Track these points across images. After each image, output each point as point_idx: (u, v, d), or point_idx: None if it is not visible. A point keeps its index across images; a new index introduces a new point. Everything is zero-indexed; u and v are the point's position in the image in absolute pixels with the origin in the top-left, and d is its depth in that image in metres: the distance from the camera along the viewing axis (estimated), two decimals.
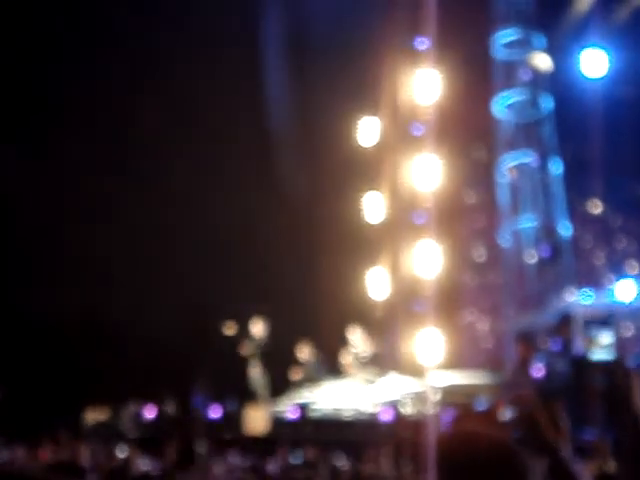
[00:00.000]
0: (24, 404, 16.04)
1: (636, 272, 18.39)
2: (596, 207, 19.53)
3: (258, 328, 17.78)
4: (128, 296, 19.16)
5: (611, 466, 5.28)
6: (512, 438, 2.00)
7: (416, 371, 15.93)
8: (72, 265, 19.31)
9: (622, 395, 2.12)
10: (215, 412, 16.86)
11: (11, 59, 18.96)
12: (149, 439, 14.91)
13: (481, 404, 14.55)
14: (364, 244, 19.49)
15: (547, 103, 19.94)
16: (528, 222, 19.90)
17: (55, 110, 19.58)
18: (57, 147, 19.19)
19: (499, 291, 19.84)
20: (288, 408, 16.74)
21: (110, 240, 19.19)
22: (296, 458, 14.39)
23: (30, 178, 18.73)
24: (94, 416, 17.03)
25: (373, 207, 19.80)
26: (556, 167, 19.78)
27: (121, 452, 13.39)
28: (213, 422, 16.20)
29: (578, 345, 16.11)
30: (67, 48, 19.61)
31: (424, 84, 17.08)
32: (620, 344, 15.73)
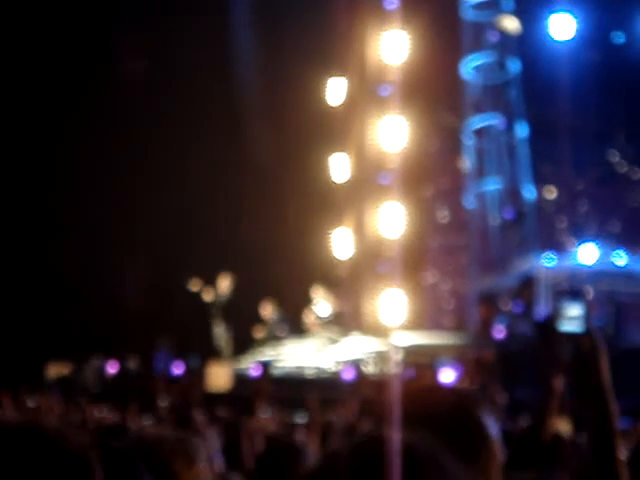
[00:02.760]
0: None
1: (597, 235, 18.57)
2: (551, 192, 19.65)
3: (224, 284, 17.80)
4: (92, 251, 19.10)
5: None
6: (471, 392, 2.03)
7: (379, 331, 16.05)
8: (33, 219, 19.21)
9: (588, 367, 2.17)
10: (178, 369, 16.93)
11: None
12: (111, 394, 14.91)
13: (441, 364, 14.69)
14: (329, 204, 19.53)
15: (514, 66, 19.94)
16: (493, 185, 19.97)
17: None
18: None
19: (462, 253, 19.95)
20: (250, 365, 16.81)
21: (76, 197, 19.11)
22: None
23: None
24: (56, 371, 17.03)
25: (339, 167, 19.82)
26: (522, 130, 19.83)
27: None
28: (176, 378, 16.24)
29: (541, 308, 16.27)
30: None
31: (392, 45, 17.06)
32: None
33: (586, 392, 2.44)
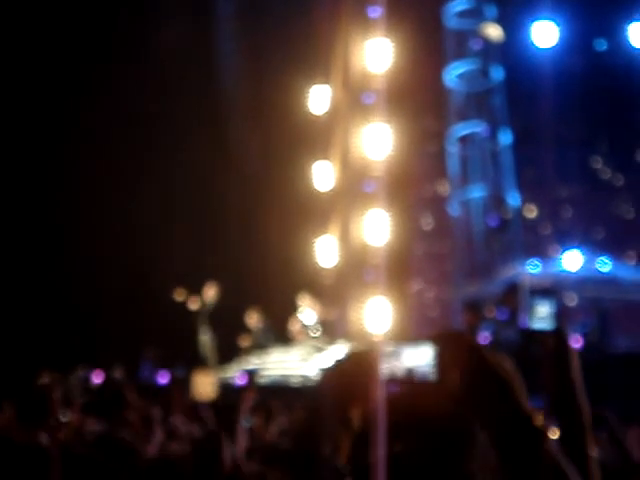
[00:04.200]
0: None
1: (582, 242, 18.63)
2: (531, 211, 19.71)
3: (210, 293, 17.78)
4: (77, 260, 19.04)
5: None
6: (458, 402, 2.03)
7: (364, 339, 16.03)
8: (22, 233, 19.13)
9: (556, 364, 2.16)
10: (163, 378, 16.89)
11: None
12: (97, 404, 14.84)
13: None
14: (314, 212, 19.51)
15: (498, 73, 20.01)
16: (477, 192, 20.01)
17: None
18: None
19: (447, 260, 19.98)
20: (236, 374, 16.78)
21: (61, 204, 19.05)
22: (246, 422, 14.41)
23: None
24: (41, 381, 16.96)
25: (323, 175, 19.82)
26: (506, 137, 19.89)
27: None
28: (161, 387, 16.21)
29: (524, 315, 16.30)
30: None
31: (376, 53, 17.08)
32: (565, 314, 15.95)
33: (556, 389, 2.44)
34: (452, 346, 2.01)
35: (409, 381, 2.08)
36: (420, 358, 2.07)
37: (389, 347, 2.22)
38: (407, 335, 17.34)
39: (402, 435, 1.87)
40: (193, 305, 17.74)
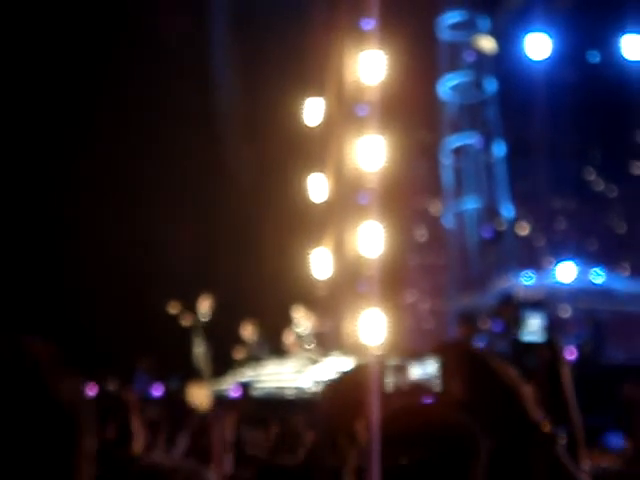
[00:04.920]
0: None
1: (576, 254, 18.64)
2: (524, 228, 19.74)
3: (204, 306, 17.77)
4: (71, 273, 19.03)
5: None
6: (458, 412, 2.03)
7: (358, 351, 16.02)
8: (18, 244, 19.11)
9: (549, 376, 2.16)
10: (157, 390, 16.86)
11: None
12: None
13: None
14: (308, 224, 19.52)
15: (491, 85, 20.06)
16: (471, 203, 20.03)
17: None
18: None
19: (441, 272, 19.99)
20: (230, 386, 16.76)
21: (57, 217, 19.04)
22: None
23: None
24: None
25: (317, 187, 19.84)
26: (499, 149, 19.92)
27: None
28: (156, 400, 16.18)
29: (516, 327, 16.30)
30: None
31: (369, 65, 17.14)
32: (558, 325, 15.96)
33: (549, 401, 2.45)
34: (453, 355, 2.02)
35: (417, 392, 2.09)
36: (425, 371, 2.08)
37: (394, 361, 2.23)
38: (401, 347, 17.33)
39: (408, 447, 1.87)
40: (187, 319, 17.72)
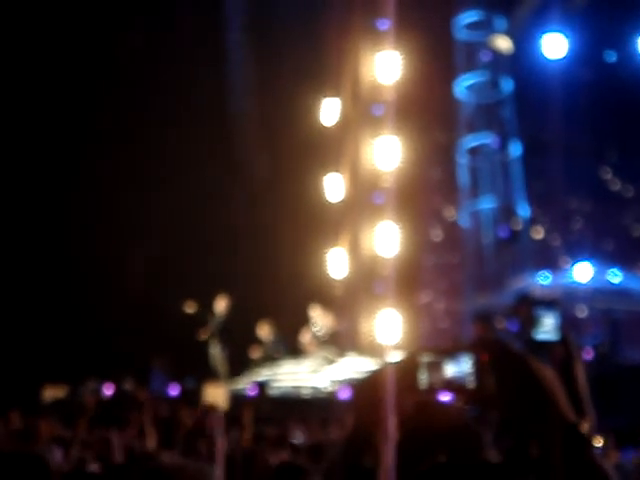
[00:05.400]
0: None
1: (592, 254, 18.61)
2: (538, 232, 19.71)
3: (221, 305, 17.80)
4: (88, 273, 19.09)
5: None
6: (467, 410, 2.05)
7: (374, 351, 16.03)
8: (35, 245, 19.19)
9: (563, 374, 2.18)
10: (173, 390, 16.91)
11: None
12: (108, 416, 14.87)
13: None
14: (325, 224, 19.53)
15: (507, 85, 20.04)
16: (487, 203, 20.02)
17: None
18: None
19: (457, 271, 19.97)
20: (247, 386, 16.79)
21: (73, 218, 19.12)
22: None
23: None
24: (52, 393, 16.97)
25: (333, 187, 19.84)
26: (516, 149, 19.90)
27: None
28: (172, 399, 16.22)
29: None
30: None
31: (385, 65, 17.15)
32: (574, 325, 15.93)
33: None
34: (492, 354, 2.04)
35: (459, 389, 2.11)
36: (460, 368, 2.11)
37: (428, 358, 2.25)
38: (417, 345, 17.32)
39: (445, 446, 1.89)
40: (203, 318, 17.75)
